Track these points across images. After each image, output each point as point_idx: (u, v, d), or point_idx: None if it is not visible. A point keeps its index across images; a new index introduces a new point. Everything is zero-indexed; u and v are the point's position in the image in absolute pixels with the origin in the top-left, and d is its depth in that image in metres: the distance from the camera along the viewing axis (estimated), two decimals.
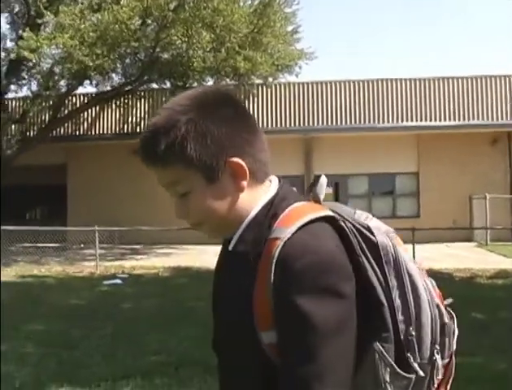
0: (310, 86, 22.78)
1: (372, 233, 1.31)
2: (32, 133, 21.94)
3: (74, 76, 18.58)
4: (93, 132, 23.62)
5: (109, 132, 23.57)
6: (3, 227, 16.38)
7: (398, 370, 1.24)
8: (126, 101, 22.32)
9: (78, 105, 22.57)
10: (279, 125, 22.63)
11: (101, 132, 23.63)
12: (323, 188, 1.39)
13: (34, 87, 20.82)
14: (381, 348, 1.23)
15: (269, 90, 22.49)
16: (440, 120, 22.04)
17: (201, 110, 1.29)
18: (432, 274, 1.77)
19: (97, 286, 12.19)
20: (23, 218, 23.71)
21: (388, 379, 1.23)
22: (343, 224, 1.28)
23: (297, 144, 22.46)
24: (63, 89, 20.62)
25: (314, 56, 20.85)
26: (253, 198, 1.33)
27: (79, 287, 12.08)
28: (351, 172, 22.32)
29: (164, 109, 1.33)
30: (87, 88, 22.30)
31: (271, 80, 21.28)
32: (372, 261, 1.27)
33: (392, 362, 1.23)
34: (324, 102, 22.62)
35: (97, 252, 14.85)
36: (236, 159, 1.28)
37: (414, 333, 1.27)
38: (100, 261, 15.02)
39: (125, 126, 23.37)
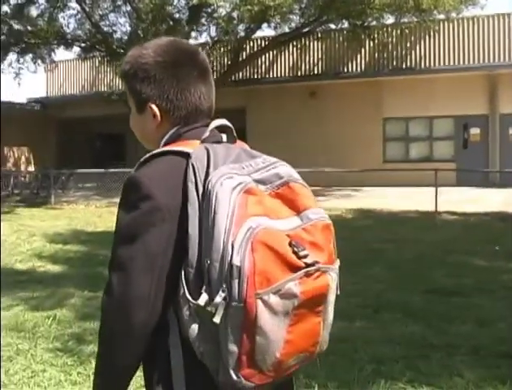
0: (496, 19, 21.30)
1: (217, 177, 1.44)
2: (213, 77, 22.50)
3: (253, 19, 18.69)
4: (271, 75, 23.88)
5: (286, 74, 23.72)
6: None
7: (187, 293, 1.41)
8: (303, 43, 22.24)
9: (256, 48, 22.82)
10: (461, 62, 21.53)
11: (278, 74, 23.84)
12: None
13: (213, 32, 21.32)
14: (183, 269, 1.43)
15: (451, 25, 21.35)
16: None
17: (158, 61, 1.64)
18: None
19: None
20: None
21: (180, 299, 1.43)
22: (189, 159, 1.48)
23: (481, 82, 21.20)
24: (242, 34, 20.91)
25: None
26: (162, 135, 1.67)
27: None
28: None
29: (136, 49, 1.72)
30: (264, 32, 22.41)
31: (454, 14, 20.13)
32: (199, 194, 1.43)
33: (184, 284, 1.41)
34: None
35: None
36: (153, 105, 1.65)
37: (207, 264, 1.37)
38: None
39: (302, 68, 23.38)
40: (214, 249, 1.36)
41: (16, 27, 21.00)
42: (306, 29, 20.74)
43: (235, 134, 1.66)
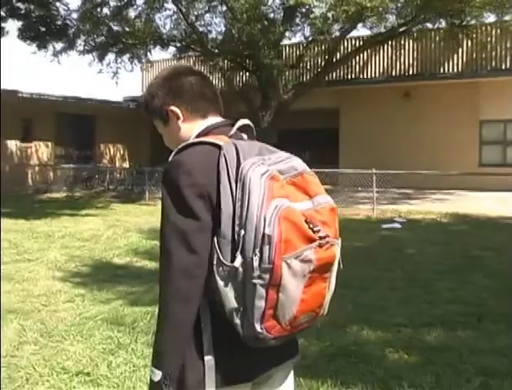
0: None
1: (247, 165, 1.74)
2: (306, 78, 22.49)
3: (349, 19, 18.49)
4: (365, 76, 23.61)
5: (380, 75, 23.39)
6: None
7: (221, 257, 1.70)
8: (398, 43, 21.84)
9: (350, 49, 22.59)
10: None
11: (372, 75, 23.55)
12: None
13: (307, 32, 21.21)
14: (216, 239, 1.72)
15: None
16: None
17: (162, 84, 2.03)
18: None
19: (376, 229, 12.24)
20: None
21: (214, 262, 1.72)
22: (221, 150, 1.78)
23: None
24: (337, 33, 20.72)
25: None
26: (190, 133, 2.00)
27: (358, 229, 12.20)
28: None
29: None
30: (359, 32, 22.17)
31: None
32: (232, 178, 1.74)
33: (219, 251, 1.71)
34: None
35: (374, 195, 14.94)
36: (172, 107, 2.01)
37: (241, 234, 1.67)
38: (375, 204, 15.09)
39: (396, 68, 23.00)
40: (249, 221, 1.67)
41: (115, 28, 21.60)
42: (402, 29, 20.32)
43: (254, 133, 2.04)
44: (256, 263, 1.65)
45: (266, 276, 1.65)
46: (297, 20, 20.84)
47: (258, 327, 1.69)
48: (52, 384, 4.18)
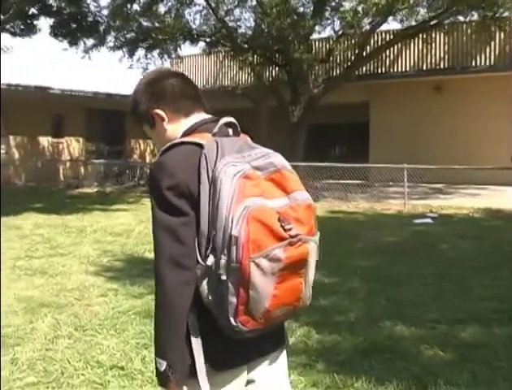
0: None
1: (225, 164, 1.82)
2: (336, 72, 22.37)
3: (379, 13, 18.32)
4: (395, 70, 23.40)
5: (410, 68, 23.16)
6: (310, 164, 17.12)
7: (198, 255, 1.82)
8: (429, 36, 21.58)
9: (380, 42, 22.39)
10: None
11: (402, 69, 23.32)
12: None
13: (337, 26, 21.08)
14: (196, 239, 1.83)
15: None
16: None
17: (145, 89, 2.12)
18: None
19: (408, 224, 12.13)
20: (324, 155, 24.38)
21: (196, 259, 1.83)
22: (203, 150, 1.87)
23: None
24: (367, 27, 20.55)
25: None
26: (176, 132, 2.07)
27: (389, 224, 12.15)
28: None
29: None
30: (390, 25, 21.93)
31: None
32: (209, 178, 1.81)
33: (197, 249, 1.82)
34: None
35: (405, 190, 14.83)
36: (157, 110, 2.09)
37: (213, 234, 1.78)
38: (406, 199, 14.97)
39: (427, 62, 22.75)
40: (219, 222, 1.75)
41: (145, 24, 21.70)
42: (433, 22, 20.06)
43: (238, 129, 2.07)
44: (224, 262, 1.75)
45: (236, 275, 1.74)
46: (327, 14, 20.75)
47: (232, 321, 1.79)
48: (87, 378, 4.21)
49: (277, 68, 23.29)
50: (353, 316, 5.69)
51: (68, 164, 25.71)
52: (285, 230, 1.78)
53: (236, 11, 21.96)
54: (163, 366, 1.86)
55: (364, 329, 5.23)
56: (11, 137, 23.96)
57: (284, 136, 21.62)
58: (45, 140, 25.08)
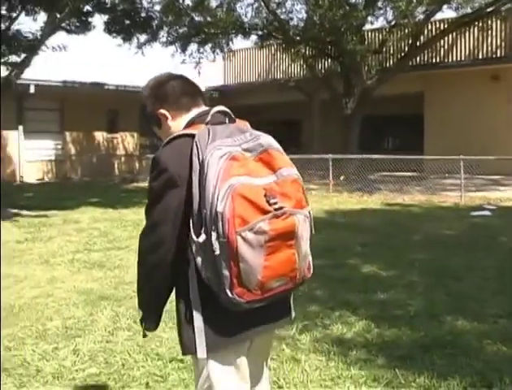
0: None
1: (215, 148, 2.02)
2: (390, 63, 22.07)
3: (433, 1, 17.99)
4: (450, 59, 22.95)
5: (466, 57, 22.68)
6: (363, 156, 16.96)
7: (192, 234, 2.00)
8: (485, 24, 21.09)
9: (435, 31, 21.98)
10: None
11: (458, 58, 22.86)
12: None
13: (390, 16, 20.76)
14: (190, 219, 2.02)
15: None
16: None
17: (149, 94, 2.38)
18: None
19: (465, 216, 11.88)
20: (378, 147, 24.10)
21: (189, 238, 2.03)
22: (194, 139, 2.06)
23: None
24: (420, 16, 20.18)
25: None
26: (179, 127, 2.29)
27: (446, 216, 11.93)
28: None
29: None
30: (444, 13, 21.42)
31: None
32: (200, 162, 2.00)
33: (192, 228, 2.01)
34: None
35: (461, 182, 14.56)
36: (161, 110, 2.34)
37: (203, 213, 1.95)
38: (463, 191, 14.69)
39: (483, 50, 22.25)
40: (207, 201, 1.93)
41: (197, 18, 21.80)
42: (490, 9, 19.58)
43: (233, 116, 2.25)
44: (214, 238, 1.92)
45: (225, 249, 1.91)
46: (380, 4, 20.46)
47: (229, 293, 1.96)
48: (147, 370, 4.24)
49: (330, 60, 23.15)
50: (413, 310, 5.59)
51: (123, 159, 26.08)
52: (270, 204, 1.94)
53: (288, 3, 21.88)
54: (140, 314, 2.32)
55: (424, 323, 5.14)
56: (67, 133, 24.45)
57: (337, 128, 21.50)
58: (100, 136, 25.50)
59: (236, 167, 1.97)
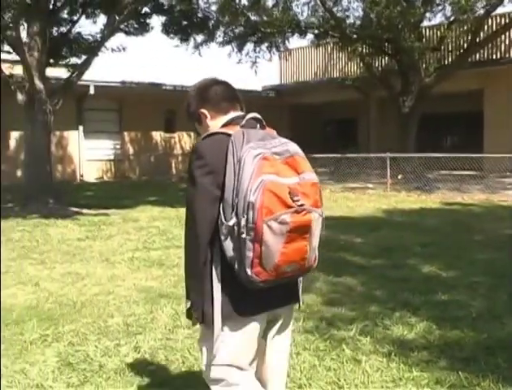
0: None
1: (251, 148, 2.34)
2: (449, 60, 21.69)
3: None
4: (511, 55, 22.41)
5: None
6: (422, 155, 16.71)
7: (223, 218, 2.33)
8: None
9: (495, 27, 21.49)
10: None
11: None
12: None
13: (448, 12, 20.40)
14: (222, 205, 2.34)
15: None
16: None
17: (195, 95, 2.74)
18: None
19: None
20: (436, 145, 23.69)
21: (219, 222, 2.35)
22: (231, 138, 2.38)
23: None
24: (480, 11, 19.75)
25: None
26: (216, 126, 2.61)
27: (508, 216, 11.66)
28: None
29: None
30: (505, 8, 20.91)
31: None
32: (236, 159, 2.32)
33: (222, 214, 2.33)
34: None
35: None
36: (202, 109, 2.68)
37: (236, 201, 2.28)
38: None
39: None
40: (241, 192, 2.26)
41: (253, 18, 21.85)
42: None
43: (264, 123, 2.56)
44: (244, 223, 2.24)
45: (252, 233, 2.24)
46: (438, 0, 20.12)
47: (249, 271, 2.29)
48: None
49: (387, 58, 22.90)
50: (475, 311, 5.47)
51: (180, 158, 26.34)
52: (293, 201, 2.27)
53: (344, 1, 21.75)
54: (188, 304, 2.52)
55: (487, 325, 5.03)
56: (126, 133, 24.84)
57: (395, 126, 21.25)
58: (157, 135, 25.82)
59: (267, 166, 2.30)
